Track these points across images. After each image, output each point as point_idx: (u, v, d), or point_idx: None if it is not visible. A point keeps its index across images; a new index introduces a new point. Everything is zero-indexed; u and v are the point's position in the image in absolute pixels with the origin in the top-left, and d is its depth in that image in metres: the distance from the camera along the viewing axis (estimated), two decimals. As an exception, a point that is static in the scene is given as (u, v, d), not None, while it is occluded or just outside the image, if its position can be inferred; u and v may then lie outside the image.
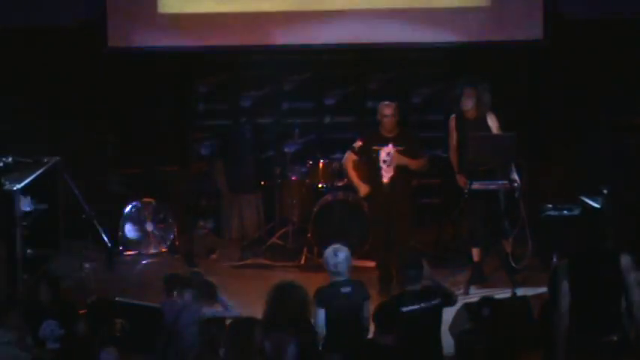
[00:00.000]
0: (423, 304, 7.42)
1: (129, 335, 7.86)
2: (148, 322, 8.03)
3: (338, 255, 7.70)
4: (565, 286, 7.12)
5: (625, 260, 7.10)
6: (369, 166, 9.96)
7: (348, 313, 7.51)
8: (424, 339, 7.41)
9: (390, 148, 9.83)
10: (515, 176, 9.81)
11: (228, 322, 6.98)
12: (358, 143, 9.99)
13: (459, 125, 10.01)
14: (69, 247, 10.85)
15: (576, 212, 10.45)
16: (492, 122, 9.98)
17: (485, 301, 7.52)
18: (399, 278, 7.74)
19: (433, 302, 7.45)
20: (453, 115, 10.12)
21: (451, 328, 7.98)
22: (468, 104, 9.96)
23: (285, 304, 7.06)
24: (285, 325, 6.89)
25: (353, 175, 10.05)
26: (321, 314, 7.47)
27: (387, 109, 9.93)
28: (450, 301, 7.65)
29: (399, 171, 9.83)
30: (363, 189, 9.97)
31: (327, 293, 7.60)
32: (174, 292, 7.81)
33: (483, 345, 6.95)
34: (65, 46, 11.66)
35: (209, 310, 7.63)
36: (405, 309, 7.39)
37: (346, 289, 7.61)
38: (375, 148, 9.85)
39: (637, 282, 7.23)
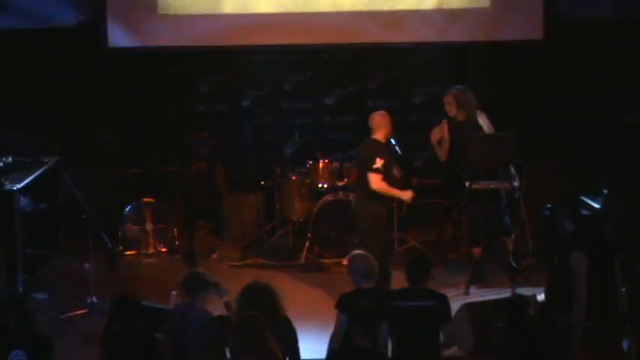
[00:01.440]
0: (417, 302, 7.40)
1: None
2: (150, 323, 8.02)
3: (362, 262, 7.68)
4: (583, 279, 7.37)
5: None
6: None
7: None
8: (415, 336, 7.39)
9: None
10: (515, 176, 9.83)
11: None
12: (381, 162, 9.59)
13: (451, 130, 10.09)
14: (69, 247, 10.86)
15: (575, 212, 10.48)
16: (483, 121, 10.03)
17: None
18: (406, 277, 7.72)
19: (427, 303, 7.42)
20: (445, 120, 10.21)
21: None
22: (452, 110, 10.06)
23: (255, 304, 7.03)
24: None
25: (394, 190, 9.59)
26: (342, 319, 7.44)
27: (388, 117, 9.82)
28: (443, 313, 7.49)
29: None
30: (407, 195, 9.67)
31: (348, 298, 7.57)
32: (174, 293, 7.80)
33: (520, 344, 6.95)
34: (65, 46, 11.66)
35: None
36: (397, 303, 7.41)
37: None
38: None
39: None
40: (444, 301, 7.48)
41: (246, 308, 6.97)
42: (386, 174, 9.49)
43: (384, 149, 9.62)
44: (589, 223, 10.27)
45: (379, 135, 9.65)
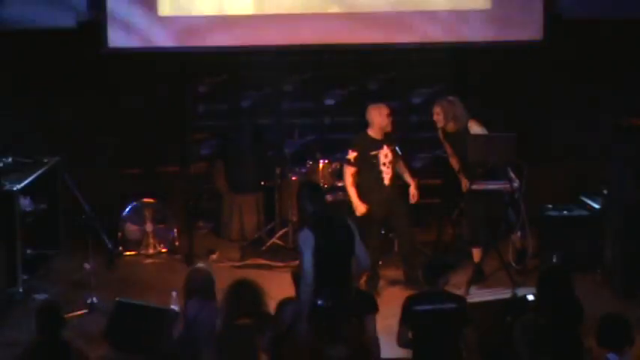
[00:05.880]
0: (435, 306, 7.38)
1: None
2: (151, 323, 8.02)
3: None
4: (307, 256, 7.49)
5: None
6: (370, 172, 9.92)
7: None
8: (436, 341, 7.36)
9: (386, 149, 9.88)
10: (514, 177, 9.83)
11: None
12: (353, 154, 9.89)
13: (445, 138, 10.09)
14: (69, 247, 10.86)
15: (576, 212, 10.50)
16: (475, 131, 9.97)
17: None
18: (422, 279, 7.71)
19: (446, 305, 7.40)
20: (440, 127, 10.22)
21: None
22: (440, 121, 10.03)
23: (240, 300, 7.02)
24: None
25: (353, 194, 9.88)
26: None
27: (377, 110, 9.95)
28: (464, 315, 7.46)
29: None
30: (358, 207, 9.84)
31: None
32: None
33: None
34: (65, 46, 11.65)
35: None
36: (418, 308, 7.37)
37: None
38: (372, 153, 9.86)
39: None
40: (463, 304, 7.46)
41: (234, 309, 6.95)
42: (365, 169, 9.81)
43: (367, 142, 9.83)
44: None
45: (369, 129, 9.91)
